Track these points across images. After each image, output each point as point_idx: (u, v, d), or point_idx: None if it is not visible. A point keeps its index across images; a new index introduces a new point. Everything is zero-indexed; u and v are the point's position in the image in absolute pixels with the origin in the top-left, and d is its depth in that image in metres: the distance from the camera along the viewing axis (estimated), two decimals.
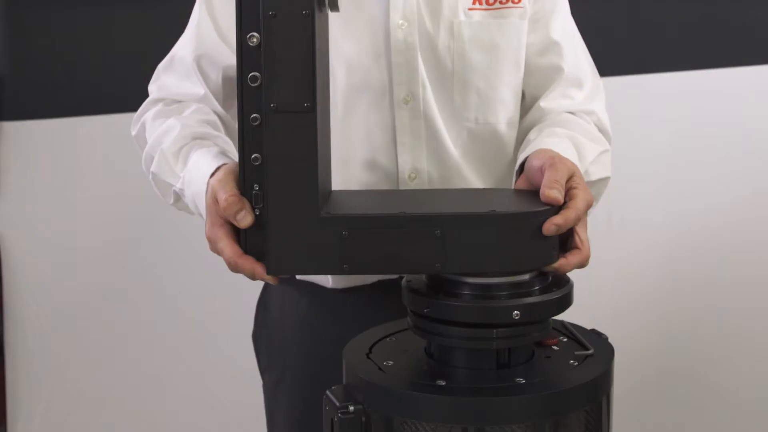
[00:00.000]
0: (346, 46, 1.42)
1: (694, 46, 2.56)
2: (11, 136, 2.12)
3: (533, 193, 1.25)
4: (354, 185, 1.46)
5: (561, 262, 1.19)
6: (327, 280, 1.51)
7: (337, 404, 1.14)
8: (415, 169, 1.46)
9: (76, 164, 2.17)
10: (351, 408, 1.13)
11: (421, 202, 1.27)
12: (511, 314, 1.13)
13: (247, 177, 1.17)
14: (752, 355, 2.70)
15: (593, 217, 1.47)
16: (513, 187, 1.36)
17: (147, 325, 2.25)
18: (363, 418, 1.13)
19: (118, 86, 2.16)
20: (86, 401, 2.24)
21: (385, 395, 1.13)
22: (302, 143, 1.14)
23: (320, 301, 1.51)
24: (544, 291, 1.17)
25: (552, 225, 1.16)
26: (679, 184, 2.59)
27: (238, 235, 1.20)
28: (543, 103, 1.52)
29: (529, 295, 1.16)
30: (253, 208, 1.17)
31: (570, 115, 1.50)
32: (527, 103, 1.53)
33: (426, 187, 1.47)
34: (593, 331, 1.27)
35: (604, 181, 1.46)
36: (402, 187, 1.46)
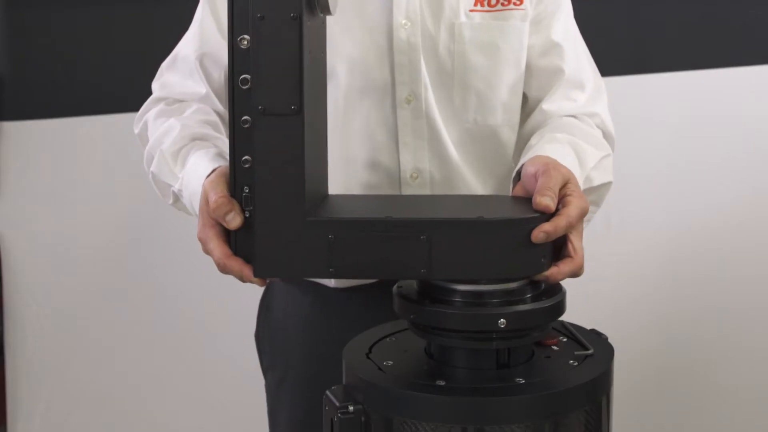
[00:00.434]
0: (348, 45, 1.43)
1: (694, 46, 2.56)
2: (11, 136, 2.12)
3: (529, 200, 1.25)
4: (356, 185, 1.46)
5: (552, 271, 1.18)
6: (329, 280, 1.51)
7: (337, 404, 1.14)
8: (417, 168, 1.46)
9: (76, 164, 2.17)
10: (351, 408, 1.13)
11: (413, 207, 1.27)
12: (497, 322, 1.13)
13: (238, 179, 1.17)
14: (752, 356, 2.70)
15: (593, 217, 1.48)
16: (511, 193, 1.36)
17: (147, 324, 2.25)
18: (363, 418, 1.13)
19: (118, 86, 2.16)
20: (86, 401, 2.24)
21: (384, 395, 1.13)
22: (289, 146, 1.15)
23: (323, 301, 1.52)
24: (533, 299, 1.17)
25: (541, 232, 1.15)
26: (679, 184, 2.59)
27: (229, 236, 1.20)
28: (545, 105, 1.51)
29: (518, 303, 1.15)
30: (243, 210, 1.17)
31: (572, 119, 1.50)
32: (530, 106, 1.53)
33: (428, 186, 1.47)
34: (593, 331, 1.27)
35: (606, 186, 1.46)
36: (404, 186, 1.46)
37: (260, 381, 1.65)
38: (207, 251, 1.22)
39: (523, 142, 1.51)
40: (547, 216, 1.17)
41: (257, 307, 1.65)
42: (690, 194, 2.60)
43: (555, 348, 1.22)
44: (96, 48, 2.16)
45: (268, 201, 1.15)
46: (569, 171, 1.27)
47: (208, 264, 1.25)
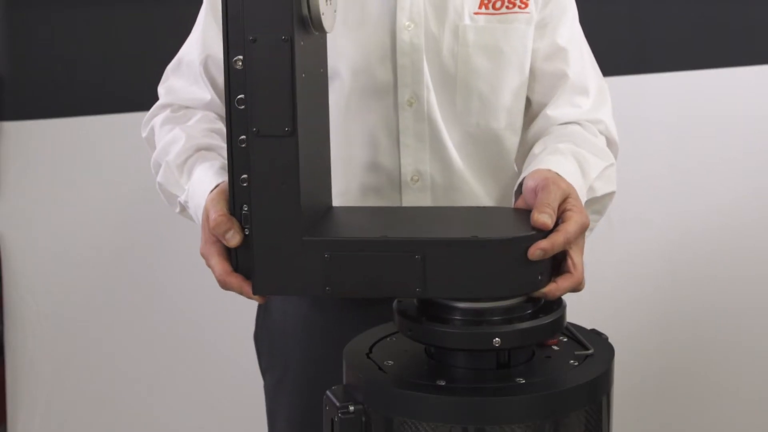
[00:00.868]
0: (351, 47, 1.42)
1: (694, 46, 2.56)
2: (11, 136, 2.12)
3: (530, 213, 1.25)
4: (356, 187, 1.46)
5: (551, 287, 1.18)
6: None
7: (338, 404, 1.14)
8: (418, 171, 1.46)
9: (76, 164, 2.17)
10: (351, 408, 1.13)
11: (410, 223, 1.27)
12: (492, 341, 1.13)
13: (237, 197, 1.19)
14: (752, 356, 2.70)
15: (596, 226, 1.47)
16: (513, 205, 1.35)
17: (147, 325, 2.25)
18: (363, 418, 1.13)
19: (118, 86, 2.16)
20: (86, 401, 2.24)
21: (385, 395, 1.13)
22: (284, 167, 1.16)
23: (322, 302, 1.52)
24: (531, 316, 1.17)
25: (537, 249, 1.15)
26: (679, 184, 2.59)
27: (230, 253, 1.22)
28: (550, 111, 1.51)
29: (515, 321, 1.16)
30: (243, 228, 1.19)
31: (575, 127, 1.49)
32: (533, 111, 1.53)
33: (428, 190, 1.47)
34: (593, 331, 1.27)
35: (609, 195, 1.45)
36: (404, 189, 1.46)
37: (259, 382, 1.65)
38: (209, 267, 1.25)
39: (526, 147, 1.51)
40: (545, 233, 1.17)
41: (256, 308, 1.65)
42: (690, 194, 2.60)
43: (555, 348, 1.22)
44: (96, 48, 2.16)
45: (265, 220, 1.17)
46: (569, 185, 1.27)
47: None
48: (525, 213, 1.27)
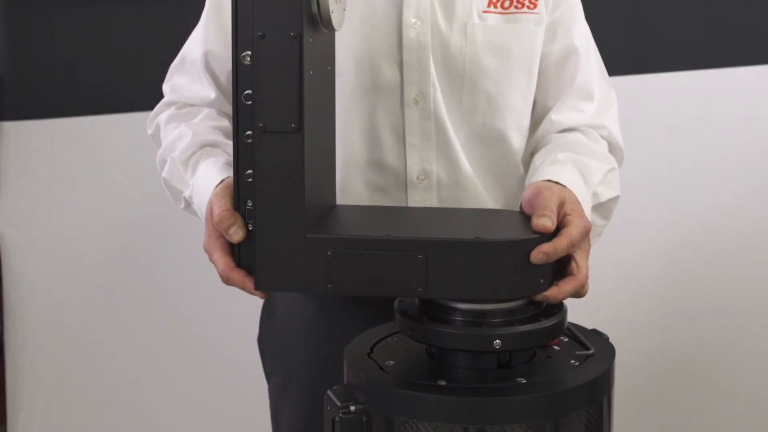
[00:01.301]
0: (357, 44, 1.41)
1: (694, 46, 2.56)
2: (11, 136, 2.12)
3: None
4: (361, 185, 1.45)
5: (553, 291, 1.18)
6: None
7: (339, 404, 1.14)
8: (424, 170, 1.45)
9: (76, 164, 2.17)
10: (352, 408, 1.13)
11: (414, 224, 1.27)
12: (492, 343, 1.13)
13: (241, 193, 1.19)
14: (753, 356, 2.70)
15: (603, 232, 1.49)
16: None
17: (147, 325, 2.25)
18: (364, 418, 1.13)
19: (118, 86, 2.16)
20: (86, 401, 2.24)
21: (386, 395, 1.13)
22: (290, 163, 1.16)
23: (326, 305, 1.51)
24: (532, 319, 1.17)
25: (540, 253, 1.15)
26: (679, 184, 2.59)
27: (233, 248, 1.22)
28: (554, 116, 1.51)
29: (515, 323, 1.16)
30: (247, 223, 1.19)
31: (575, 135, 1.49)
32: (538, 113, 1.52)
33: (434, 189, 1.46)
34: (594, 331, 1.27)
35: (614, 200, 1.45)
36: (410, 188, 1.45)
37: (260, 383, 1.65)
38: (211, 261, 1.24)
39: (530, 150, 1.51)
40: (547, 236, 1.17)
41: (258, 309, 1.65)
42: (690, 194, 2.60)
43: (556, 348, 1.22)
44: (96, 48, 2.16)
45: (269, 216, 1.17)
46: (563, 189, 1.27)
47: (210, 264, 1.26)
48: (529, 216, 1.27)
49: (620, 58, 2.47)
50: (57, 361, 2.21)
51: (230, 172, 1.27)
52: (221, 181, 1.30)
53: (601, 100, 1.53)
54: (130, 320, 2.24)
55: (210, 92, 1.48)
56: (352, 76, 1.42)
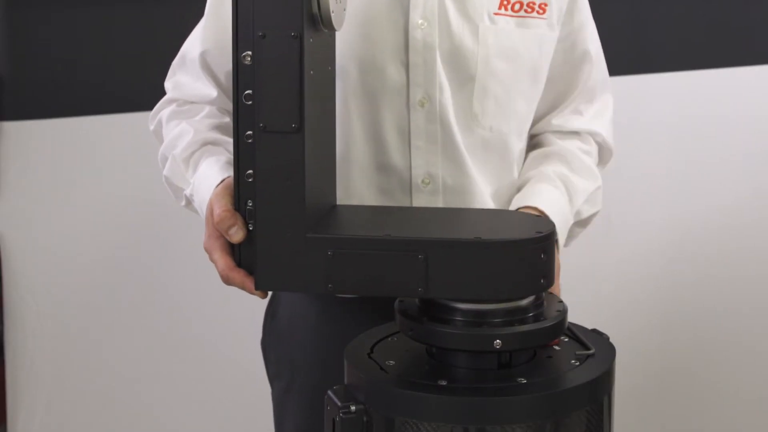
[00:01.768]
0: (362, 45, 1.40)
1: (694, 46, 2.56)
2: (11, 136, 2.12)
3: (535, 218, 1.26)
4: (365, 188, 1.44)
5: None
6: None
7: (339, 404, 1.14)
8: (429, 174, 1.44)
9: (76, 164, 2.17)
10: (353, 408, 1.13)
11: (414, 224, 1.27)
12: (492, 343, 1.14)
13: (242, 193, 1.19)
14: (753, 356, 2.70)
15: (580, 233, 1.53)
16: None
17: (148, 325, 2.25)
18: (364, 418, 1.13)
19: (118, 86, 2.16)
20: (86, 401, 2.24)
21: (386, 395, 1.13)
22: (290, 163, 1.16)
23: (329, 309, 1.50)
24: (533, 319, 1.17)
25: None
26: (679, 184, 2.59)
27: (233, 248, 1.22)
28: (554, 120, 1.53)
29: (515, 323, 1.16)
30: (247, 223, 1.19)
31: (571, 145, 1.52)
32: (540, 110, 1.53)
33: (440, 193, 1.45)
34: (594, 330, 1.27)
35: (595, 214, 1.52)
36: (415, 192, 1.44)
37: (261, 384, 1.65)
38: (212, 261, 1.24)
39: (526, 150, 1.54)
40: (543, 237, 1.16)
41: (259, 308, 1.65)
42: (690, 194, 2.60)
43: (556, 348, 1.22)
44: (96, 48, 2.16)
45: (269, 216, 1.17)
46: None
47: (210, 264, 1.26)
48: (529, 216, 1.27)
49: (620, 58, 2.48)
50: (57, 361, 2.20)
51: (231, 172, 1.27)
52: (221, 181, 1.30)
53: (600, 103, 1.56)
54: (130, 320, 2.24)
55: (211, 90, 1.47)
56: (356, 77, 1.41)
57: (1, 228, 2.15)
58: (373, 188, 1.44)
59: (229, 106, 1.46)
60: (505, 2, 1.44)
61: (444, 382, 1.13)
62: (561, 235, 1.43)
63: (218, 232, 1.22)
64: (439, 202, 1.45)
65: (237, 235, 1.19)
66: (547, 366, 1.18)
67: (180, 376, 2.29)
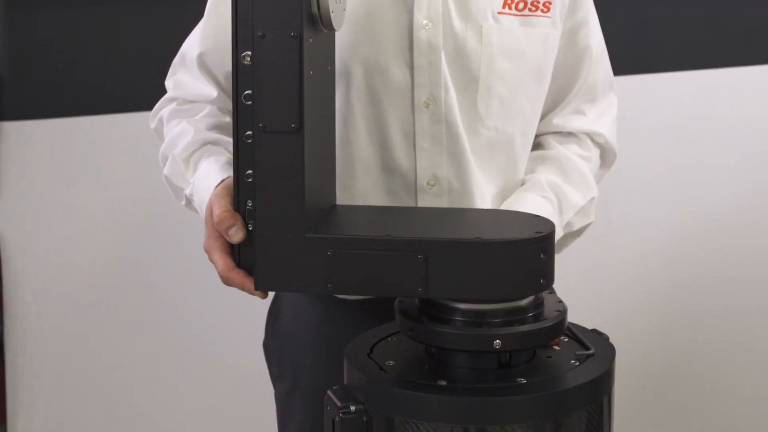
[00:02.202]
0: (367, 46, 1.39)
1: (694, 46, 2.56)
2: (11, 136, 2.12)
3: (535, 218, 1.26)
4: (370, 190, 1.43)
5: None
6: None
7: (339, 404, 1.14)
8: (435, 176, 1.43)
9: (76, 164, 2.17)
10: (352, 408, 1.13)
11: (414, 224, 1.27)
12: (492, 343, 1.14)
13: (242, 193, 1.19)
14: (753, 356, 2.70)
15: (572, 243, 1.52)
16: None
17: (147, 325, 2.25)
18: (364, 418, 1.13)
19: (118, 86, 2.16)
20: (86, 401, 2.24)
21: (386, 395, 1.13)
22: (290, 163, 1.16)
23: (332, 311, 1.50)
24: (533, 319, 1.17)
25: None
26: (679, 184, 2.59)
27: (233, 248, 1.22)
28: (556, 119, 1.52)
29: (515, 323, 1.16)
30: (247, 224, 1.19)
31: (567, 154, 1.51)
32: (544, 111, 1.52)
33: (445, 195, 1.44)
34: (594, 330, 1.27)
35: (587, 225, 1.51)
36: (420, 194, 1.43)
37: (262, 386, 1.64)
38: (211, 262, 1.24)
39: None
40: (543, 237, 1.16)
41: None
42: (690, 194, 2.60)
43: (556, 348, 1.22)
44: (96, 48, 2.16)
45: (268, 216, 1.17)
46: None
47: (210, 264, 1.26)
48: (528, 216, 1.27)
49: (620, 58, 2.47)
50: (57, 361, 2.20)
51: (230, 172, 1.27)
52: (221, 181, 1.30)
53: (603, 103, 1.54)
54: (130, 320, 2.24)
55: (211, 90, 1.47)
56: (361, 78, 1.40)
57: (1, 228, 2.15)
58: (378, 190, 1.44)
59: (230, 105, 1.46)
60: (509, 1, 1.43)
61: (444, 382, 1.13)
62: None
63: (218, 232, 1.22)
64: (444, 204, 1.44)
65: (236, 235, 1.19)
66: (547, 366, 1.18)
67: (180, 376, 2.29)
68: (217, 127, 1.44)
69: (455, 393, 1.12)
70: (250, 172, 1.17)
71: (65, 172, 2.17)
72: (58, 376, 2.21)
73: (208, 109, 1.47)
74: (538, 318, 1.17)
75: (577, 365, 1.18)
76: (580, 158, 1.52)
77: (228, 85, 1.45)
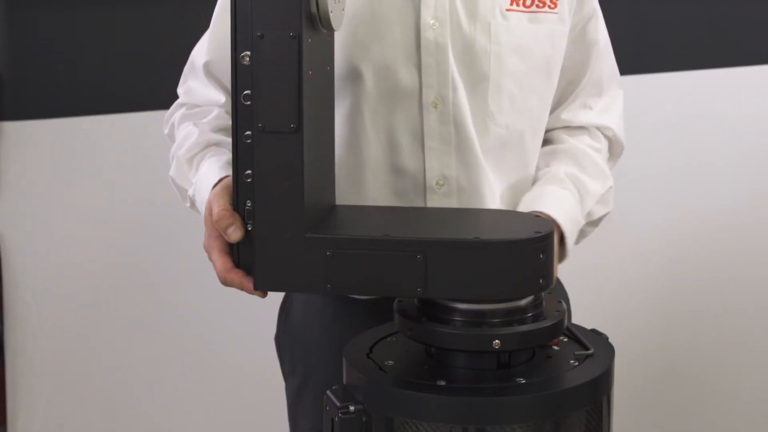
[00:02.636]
0: (375, 47, 1.39)
1: (694, 46, 2.56)
2: (11, 136, 2.12)
3: (536, 218, 1.26)
4: (379, 191, 1.43)
5: None
6: None
7: (338, 404, 1.14)
8: (444, 176, 1.42)
9: (76, 164, 2.17)
10: (351, 408, 1.13)
11: (414, 224, 1.27)
12: (491, 343, 1.14)
13: (241, 193, 1.19)
14: (752, 356, 2.70)
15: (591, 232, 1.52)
16: None
17: (148, 325, 2.25)
18: (363, 418, 1.13)
19: (118, 86, 2.16)
20: (86, 401, 2.24)
21: (385, 395, 1.13)
22: (289, 163, 1.16)
23: (345, 308, 1.49)
24: (532, 319, 1.17)
25: None
26: (679, 184, 2.59)
27: (232, 248, 1.22)
28: (564, 114, 1.52)
29: (514, 323, 1.16)
30: (246, 224, 1.19)
31: (583, 142, 1.51)
32: (552, 104, 1.52)
33: (454, 195, 1.43)
34: (593, 331, 1.27)
35: (606, 214, 1.51)
36: (429, 194, 1.43)
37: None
38: (210, 261, 1.25)
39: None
40: (542, 237, 1.16)
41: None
42: (690, 194, 2.60)
43: (556, 348, 1.22)
44: (96, 48, 2.16)
45: (268, 216, 1.17)
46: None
47: (211, 263, 1.26)
48: (528, 216, 1.27)
49: (620, 58, 2.48)
50: (57, 361, 2.21)
51: (230, 171, 1.27)
52: (220, 180, 1.30)
53: (609, 96, 1.55)
54: (131, 320, 2.24)
55: (219, 96, 1.48)
56: (369, 79, 1.40)
57: (1, 228, 2.15)
58: (386, 190, 1.43)
59: None
60: None
61: (443, 383, 1.13)
62: (571, 236, 1.43)
63: (216, 231, 1.22)
64: (453, 204, 1.44)
65: (235, 234, 1.19)
66: (547, 366, 1.19)
67: (180, 376, 2.29)
68: (223, 129, 1.45)
69: (455, 393, 1.12)
70: (249, 172, 1.17)
71: (65, 172, 2.17)
72: (58, 376, 2.21)
73: (216, 112, 1.47)
74: (537, 318, 1.17)
75: (577, 365, 1.18)
76: (593, 149, 1.52)
77: None
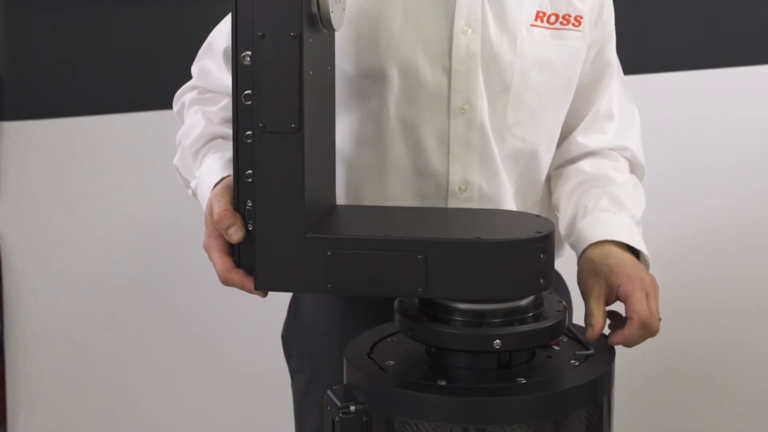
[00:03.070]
0: (405, 49, 1.39)
1: (694, 46, 2.56)
2: (11, 136, 2.12)
3: (536, 217, 1.25)
4: (402, 191, 1.43)
5: (620, 338, 1.24)
6: None
7: (338, 404, 1.14)
8: (466, 181, 1.42)
9: (76, 164, 2.17)
10: (352, 408, 1.13)
11: (415, 224, 1.27)
12: (492, 343, 1.14)
13: (241, 193, 1.19)
14: (752, 356, 2.70)
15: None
16: (577, 264, 1.36)
17: (148, 325, 2.25)
18: (364, 418, 1.13)
19: (118, 86, 2.16)
20: (86, 401, 2.24)
21: (386, 395, 1.13)
22: (289, 163, 1.16)
23: (355, 307, 1.49)
24: (532, 319, 1.17)
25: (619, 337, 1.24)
26: (679, 184, 2.59)
27: (232, 248, 1.22)
28: (580, 138, 1.51)
29: (515, 323, 1.16)
30: (246, 224, 1.19)
31: (604, 166, 1.49)
32: (564, 128, 1.52)
33: (475, 201, 1.43)
34: None
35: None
36: (450, 198, 1.43)
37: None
38: (211, 261, 1.24)
39: (552, 165, 1.52)
40: (542, 236, 1.16)
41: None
42: (691, 194, 2.60)
43: (556, 348, 1.22)
44: (96, 48, 2.16)
45: (268, 216, 1.17)
46: (609, 257, 1.32)
47: (211, 263, 1.26)
48: (528, 216, 1.27)
49: (620, 58, 2.48)
50: (57, 361, 2.20)
51: (231, 171, 1.28)
52: (220, 180, 1.30)
53: (622, 117, 1.54)
54: (131, 320, 2.24)
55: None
56: (397, 79, 1.39)
57: (1, 228, 2.15)
58: (409, 192, 1.43)
59: None
60: (542, 14, 1.43)
61: (443, 382, 1.13)
62: (643, 247, 1.39)
63: (217, 231, 1.21)
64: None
65: (236, 234, 1.19)
66: (547, 366, 1.19)
67: (180, 376, 2.29)
68: (230, 121, 1.44)
69: (455, 393, 1.12)
70: (250, 172, 1.17)
71: (65, 172, 2.17)
72: (58, 376, 2.21)
73: (226, 101, 1.46)
74: (537, 318, 1.17)
75: (577, 365, 1.18)
76: (614, 170, 1.50)
77: None
